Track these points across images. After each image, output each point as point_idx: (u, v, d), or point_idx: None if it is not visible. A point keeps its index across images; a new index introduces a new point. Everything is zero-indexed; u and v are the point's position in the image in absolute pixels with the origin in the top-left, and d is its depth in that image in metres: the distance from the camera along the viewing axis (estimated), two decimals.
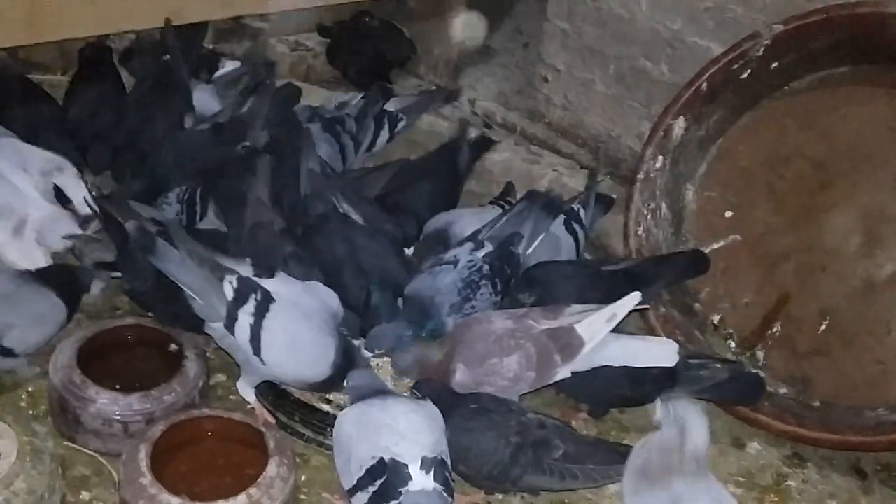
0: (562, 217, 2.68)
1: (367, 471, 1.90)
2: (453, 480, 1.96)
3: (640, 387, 2.27)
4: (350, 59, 3.66)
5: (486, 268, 2.42)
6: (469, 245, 2.48)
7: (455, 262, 2.43)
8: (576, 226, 2.69)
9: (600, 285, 2.43)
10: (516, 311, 2.29)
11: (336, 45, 3.73)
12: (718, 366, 2.34)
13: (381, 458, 1.89)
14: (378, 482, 1.88)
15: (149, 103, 2.96)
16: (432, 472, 1.89)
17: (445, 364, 2.21)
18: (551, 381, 2.24)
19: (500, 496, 2.18)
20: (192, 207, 2.62)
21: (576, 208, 2.73)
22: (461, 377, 2.19)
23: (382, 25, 3.72)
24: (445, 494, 1.89)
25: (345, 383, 2.17)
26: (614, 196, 2.96)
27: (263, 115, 2.84)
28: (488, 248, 2.46)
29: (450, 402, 2.10)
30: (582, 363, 2.22)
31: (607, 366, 2.23)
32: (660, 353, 2.26)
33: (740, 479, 2.30)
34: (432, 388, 2.13)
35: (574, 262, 2.64)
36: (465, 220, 2.69)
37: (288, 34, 3.83)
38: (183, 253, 2.08)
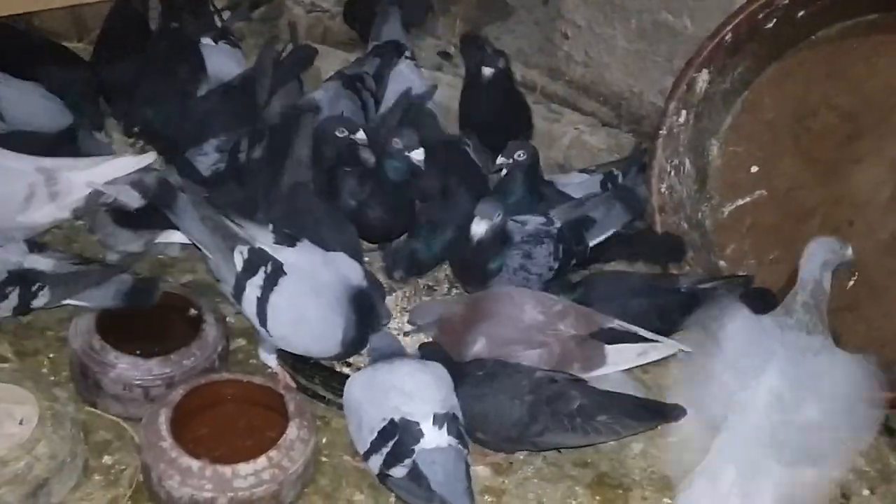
0: (600, 177, 2.76)
1: (379, 433, 1.90)
2: (465, 434, 1.95)
3: (668, 315, 2.31)
4: (367, 20, 3.61)
5: (553, 230, 2.42)
6: (540, 218, 2.47)
7: (524, 223, 2.44)
8: (611, 188, 2.73)
9: (649, 306, 2.37)
10: (550, 305, 2.23)
11: (352, 6, 3.68)
12: (729, 283, 2.41)
13: (392, 419, 1.89)
14: (391, 443, 1.88)
15: (162, 67, 2.96)
16: (445, 427, 1.89)
17: (465, 331, 2.19)
18: None
19: (521, 456, 2.16)
20: (235, 156, 2.63)
21: (615, 172, 2.77)
22: (479, 349, 2.17)
23: None
24: (461, 447, 1.89)
25: (367, 345, 2.17)
26: None
27: (269, 74, 2.84)
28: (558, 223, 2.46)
29: (455, 371, 2.08)
30: (595, 377, 2.20)
31: (635, 299, 2.32)
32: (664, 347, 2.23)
33: None
34: (436, 354, 2.11)
35: (631, 275, 2.60)
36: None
37: None
38: (197, 217, 2.06)
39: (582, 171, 2.87)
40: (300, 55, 3.09)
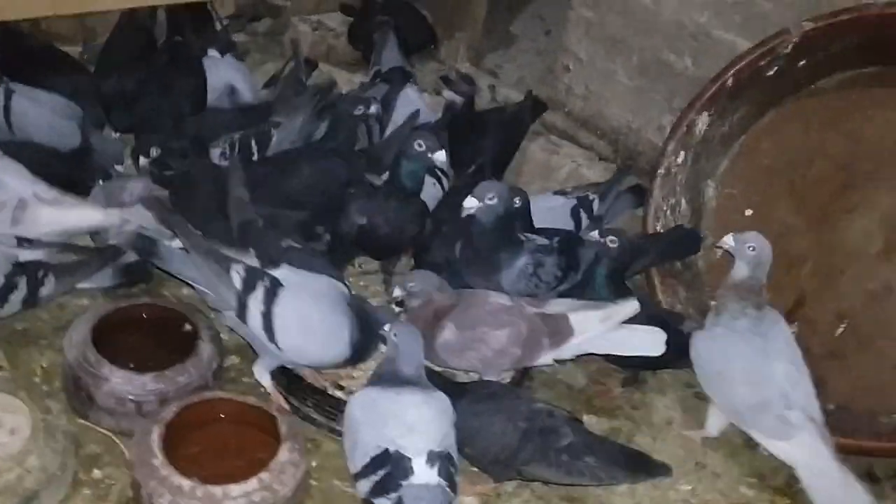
0: (573, 201, 2.75)
1: (372, 459, 1.90)
2: (457, 475, 1.95)
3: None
4: (371, 42, 3.63)
5: (555, 244, 2.46)
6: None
7: (532, 239, 2.47)
8: (583, 213, 2.75)
9: None
10: (509, 296, 2.31)
11: (357, 27, 3.71)
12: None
13: (386, 449, 1.89)
14: (381, 472, 1.89)
15: (165, 81, 2.99)
16: (437, 467, 1.89)
17: (437, 319, 2.22)
18: (534, 364, 2.28)
19: (510, 489, 2.18)
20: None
21: (591, 197, 2.76)
22: (449, 336, 2.21)
23: (404, 9, 3.69)
24: (448, 490, 1.89)
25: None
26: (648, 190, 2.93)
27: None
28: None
29: (459, 388, 2.11)
30: (568, 351, 2.26)
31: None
32: (647, 341, 2.27)
33: (752, 480, 2.29)
34: (443, 381, 2.12)
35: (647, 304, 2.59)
36: None
37: (310, 13, 3.81)
38: (187, 246, 2.08)
39: (557, 192, 2.88)
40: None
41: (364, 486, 1.91)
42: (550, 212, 2.72)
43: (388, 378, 2.01)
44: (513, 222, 2.43)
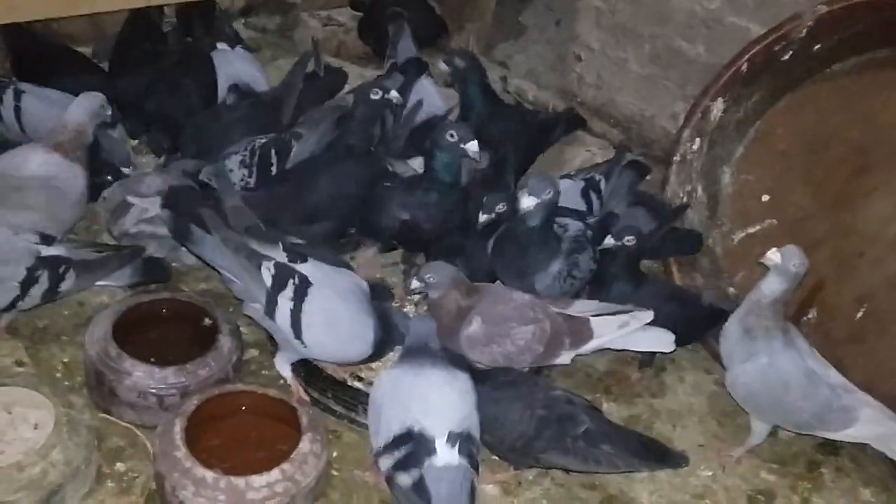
0: (581, 184, 2.76)
1: (395, 438, 1.93)
2: (479, 454, 1.97)
3: (695, 326, 2.39)
4: (381, 36, 3.64)
5: (590, 233, 2.46)
6: (579, 223, 2.51)
7: (566, 227, 2.47)
8: (592, 195, 2.76)
9: (681, 314, 2.42)
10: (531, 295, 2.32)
11: (367, 22, 3.71)
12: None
13: (410, 428, 1.92)
14: (403, 450, 1.91)
15: (175, 81, 3.01)
16: (457, 447, 1.91)
17: (461, 313, 2.23)
18: (553, 362, 2.29)
19: (531, 476, 2.18)
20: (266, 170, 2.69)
21: (597, 178, 2.79)
22: (475, 329, 2.22)
23: (414, 1, 3.69)
24: (470, 468, 1.91)
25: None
26: (650, 165, 2.99)
27: (296, 94, 2.89)
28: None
29: (481, 374, 2.12)
30: (585, 350, 2.30)
31: (668, 304, 2.36)
32: (658, 340, 2.31)
33: (773, 465, 2.28)
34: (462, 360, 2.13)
35: (664, 281, 2.64)
36: None
37: (320, 8, 3.81)
38: (217, 240, 2.09)
39: (563, 176, 2.88)
40: (332, 79, 3.13)
41: (386, 462, 1.93)
42: (562, 195, 2.72)
43: (412, 356, 2.04)
44: (552, 217, 2.41)
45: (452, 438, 1.91)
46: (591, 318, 2.28)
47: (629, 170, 2.89)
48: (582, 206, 2.75)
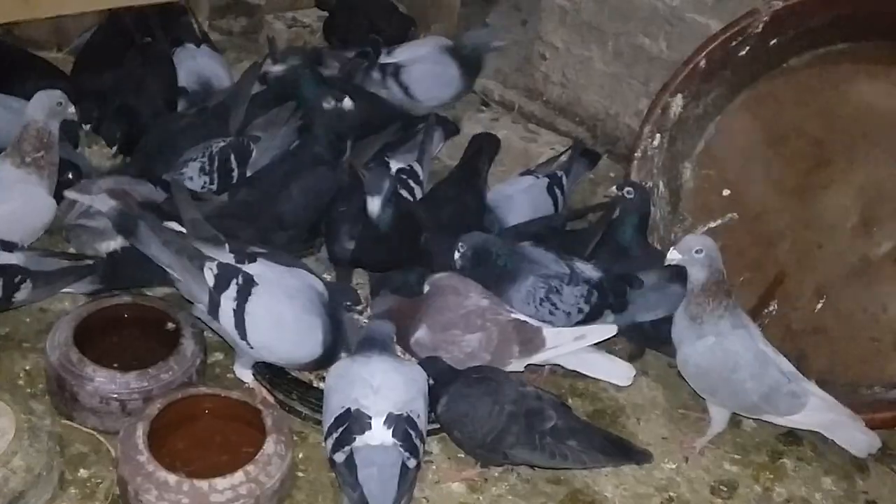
0: (546, 181, 2.79)
1: (335, 418, 1.96)
2: (418, 439, 1.97)
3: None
4: (346, 36, 3.64)
5: (594, 278, 2.39)
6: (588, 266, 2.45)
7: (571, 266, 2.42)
8: (557, 190, 2.79)
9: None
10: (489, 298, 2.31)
11: (332, 21, 3.71)
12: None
13: (349, 409, 1.95)
14: (340, 429, 1.93)
15: (138, 82, 2.99)
16: (393, 428, 1.93)
17: (411, 320, 2.25)
18: (503, 369, 2.25)
19: (496, 473, 2.19)
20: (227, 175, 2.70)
21: (559, 174, 2.83)
22: (422, 335, 2.24)
23: (378, 1, 3.70)
24: (403, 450, 1.92)
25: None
26: (600, 152, 3.09)
27: (246, 100, 2.89)
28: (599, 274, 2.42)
29: (452, 373, 2.14)
30: (537, 360, 2.30)
31: None
32: (616, 371, 2.32)
33: (735, 456, 2.31)
34: (437, 367, 2.14)
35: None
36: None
37: (285, 10, 3.81)
38: (160, 242, 2.08)
39: (524, 173, 2.90)
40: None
41: (328, 444, 1.97)
42: (529, 192, 2.77)
43: (365, 348, 2.07)
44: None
45: (390, 420, 1.93)
46: (544, 328, 2.27)
47: (583, 159, 2.95)
48: (549, 203, 2.78)
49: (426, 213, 2.61)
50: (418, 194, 2.77)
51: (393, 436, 1.92)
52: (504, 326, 2.25)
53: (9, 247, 2.29)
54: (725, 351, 2.16)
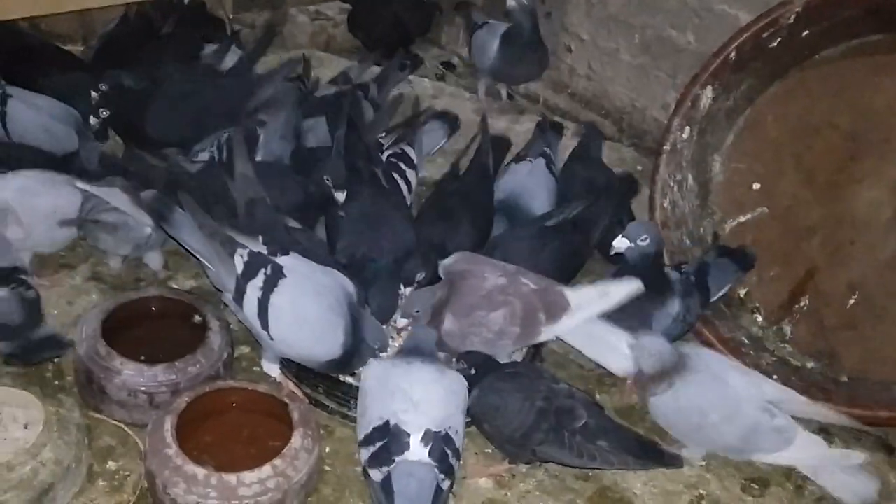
0: (541, 160, 2.81)
1: (374, 429, 1.93)
2: (454, 458, 1.94)
3: None
4: (370, 29, 3.63)
5: (693, 280, 2.42)
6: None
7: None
8: (552, 166, 2.83)
9: (552, 243, 2.48)
10: (510, 268, 2.30)
11: (356, 15, 3.70)
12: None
13: (388, 421, 1.92)
14: (379, 444, 1.91)
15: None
16: (430, 446, 1.90)
17: (437, 315, 2.24)
18: (536, 340, 2.28)
19: (524, 469, 2.17)
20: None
21: (547, 151, 2.85)
22: (449, 325, 2.23)
23: None
24: (437, 471, 1.90)
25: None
26: (563, 124, 3.12)
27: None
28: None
29: (488, 368, 2.13)
30: (566, 325, 2.25)
31: None
32: (616, 361, 2.26)
33: None
34: (478, 358, 2.14)
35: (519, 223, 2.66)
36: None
37: (308, 3, 3.80)
38: (194, 225, 2.07)
39: (516, 160, 2.87)
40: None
41: (365, 453, 1.94)
42: (532, 175, 2.77)
43: (406, 353, 2.05)
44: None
45: (427, 437, 1.91)
46: (566, 289, 2.26)
47: (552, 132, 2.97)
48: (552, 180, 2.80)
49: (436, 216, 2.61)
50: (411, 177, 2.76)
51: (429, 455, 1.89)
52: (526, 296, 2.24)
53: None
54: (689, 400, 2.09)
